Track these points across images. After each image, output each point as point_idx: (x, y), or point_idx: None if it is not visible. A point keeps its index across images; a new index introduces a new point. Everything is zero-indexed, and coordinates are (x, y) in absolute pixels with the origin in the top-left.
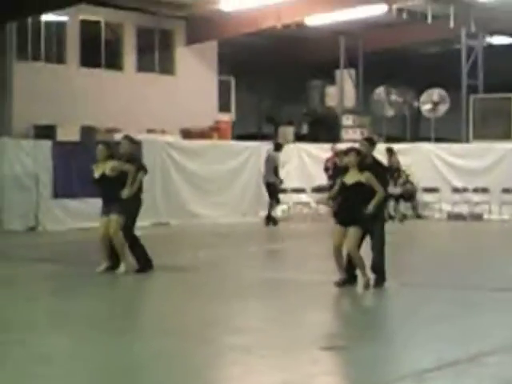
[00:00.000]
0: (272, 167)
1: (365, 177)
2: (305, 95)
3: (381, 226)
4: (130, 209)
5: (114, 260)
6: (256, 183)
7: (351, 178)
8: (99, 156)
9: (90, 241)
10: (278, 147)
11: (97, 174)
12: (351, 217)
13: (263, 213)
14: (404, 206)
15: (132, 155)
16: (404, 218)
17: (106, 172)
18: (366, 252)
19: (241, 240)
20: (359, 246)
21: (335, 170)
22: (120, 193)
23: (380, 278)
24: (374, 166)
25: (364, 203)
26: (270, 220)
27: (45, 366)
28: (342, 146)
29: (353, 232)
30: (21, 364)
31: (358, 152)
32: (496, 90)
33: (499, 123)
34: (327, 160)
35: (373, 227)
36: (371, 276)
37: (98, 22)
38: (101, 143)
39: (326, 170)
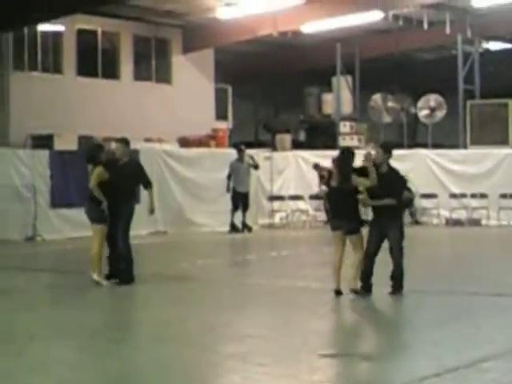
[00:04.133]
0: (236, 176)
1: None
2: (302, 102)
3: (399, 232)
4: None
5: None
6: (253, 191)
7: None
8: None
9: (88, 250)
10: (239, 152)
11: None
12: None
13: (261, 220)
14: None
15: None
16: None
17: None
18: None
19: (239, 248)
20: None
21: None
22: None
23: (397, 286)
24: (389, 174)
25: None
26: (233, 228)
27: (42, 377)
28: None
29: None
30: (17, 375)
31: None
32: (493, 95)
33: (496, 129)
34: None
35: (390, 234)
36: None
37: (94, 31)
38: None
39: (322, 177)
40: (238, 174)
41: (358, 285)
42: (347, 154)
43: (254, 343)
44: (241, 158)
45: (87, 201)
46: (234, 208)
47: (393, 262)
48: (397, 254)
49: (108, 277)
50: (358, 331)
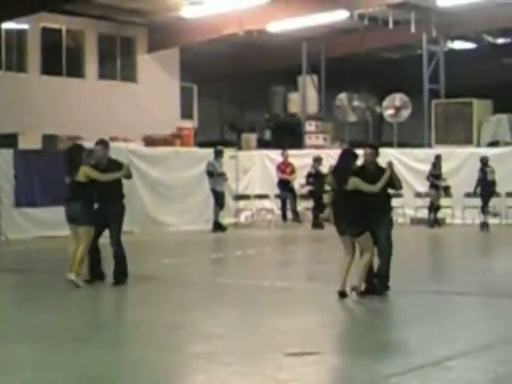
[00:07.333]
0: (214, 174)
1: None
2: (267, 101)
3: (387, 231)
4: None
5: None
6: None
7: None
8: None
9: (53, 249)
10: (218, 154)
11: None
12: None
13: (227, 219)
14: None
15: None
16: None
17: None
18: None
19: (204, 247)
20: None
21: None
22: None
23: (382, 285)
24: (379, 173)
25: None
26: (217, 227)
27: (6, 377)
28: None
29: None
30: None
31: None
32: (457, 94)
33: (461, 128)
34: (283, 164)
35: (379, 232)
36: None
37: (58, 30)
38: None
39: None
40: (216, 173)
41: (363, 286)
42: (346, 156)
43: (219, 343)
44: (218, 159)
45: (73, 201)
46: (219, 206)
47: (380, 258)
48: (387, 249)
49: (90, 281)
50: (324, 330)
